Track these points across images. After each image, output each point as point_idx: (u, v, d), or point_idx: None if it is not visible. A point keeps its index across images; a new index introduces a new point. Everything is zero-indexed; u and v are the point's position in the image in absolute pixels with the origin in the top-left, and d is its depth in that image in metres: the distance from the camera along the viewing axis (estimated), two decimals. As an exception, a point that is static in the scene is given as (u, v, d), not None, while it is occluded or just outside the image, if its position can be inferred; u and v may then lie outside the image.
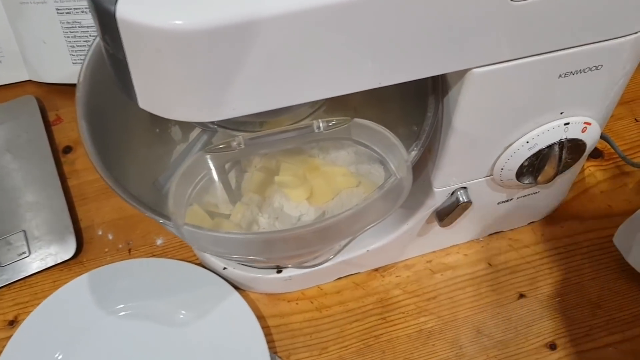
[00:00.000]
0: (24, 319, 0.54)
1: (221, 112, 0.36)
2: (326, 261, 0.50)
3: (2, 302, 0.57)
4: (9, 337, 0.53)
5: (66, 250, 0.59)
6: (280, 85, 0.35)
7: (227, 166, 0.53)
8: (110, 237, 0.61)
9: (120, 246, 0.60)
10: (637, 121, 0.68)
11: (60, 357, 0.52)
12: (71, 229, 0.60)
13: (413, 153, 0.42)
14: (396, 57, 0.36)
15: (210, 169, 0.40)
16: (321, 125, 0.39)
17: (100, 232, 0.61)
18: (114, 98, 0.48)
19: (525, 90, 0.42)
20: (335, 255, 0.51)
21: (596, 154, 0.66)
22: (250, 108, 0.36)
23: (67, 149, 0.67)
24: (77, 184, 0.65)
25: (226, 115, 0.36)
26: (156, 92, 0.35)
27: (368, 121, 0.40)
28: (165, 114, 0.36)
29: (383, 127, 0.40)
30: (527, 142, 0.46)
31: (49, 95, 0.71)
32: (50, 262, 0.59)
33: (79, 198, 0.64)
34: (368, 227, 0.41)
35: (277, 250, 0.41)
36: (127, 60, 0.34)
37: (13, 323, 0.56)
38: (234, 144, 0.39)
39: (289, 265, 0.52)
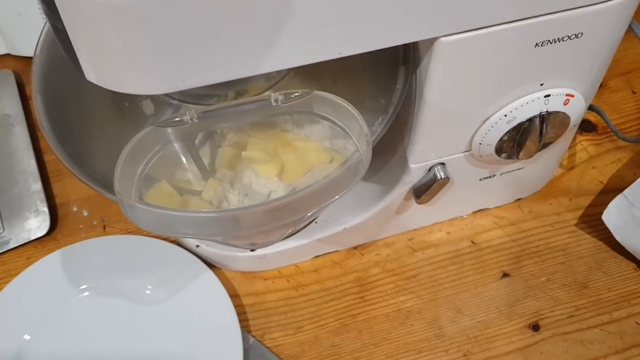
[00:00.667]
0: (-4, 297, 0.53)
1: (170, 85, 0.34)
2: (274, 242, 0.49)
3: (-24, 279, 0.57)
4: (-19, 314, 0.53)
5: (40, 227, 0.58)
6: (230, 55, 0.33)
7: (197, 141, 0.51)
8: (85, 213, 0.60)
9: (95, 223, 0.59)
10: (634, 93, 0.65)
11: (27, 337, 0.52)
12: (45, 206, 0.59)
13: (380, 127, 0.39)
14: (356, 24, 0.33)
15: (163, 144, 0.38)
16: (279, 97, 0.37)
17: (75, 209, 0.60)
18: (74, 73, 0.46)
19: (498, 60, 0.39)
20: (282, 238, 0.49)
21: (589, 127, 0.63)
22: (201, 80, 0.34)
23: (44, 124, 0.66)
24: (53, 159, 0.63)
25: (176, 87, 0.34)
26: (100, 64, 0.34)
27: (329, 94, 0.38)
28: (114, 87, 0.34)
29: (344, 100, 0.38)
30: (505, 115, 0.43)
31: (27, 69, 0.69)
32: (24, 239, 0.58)
33: (54, 174, 0.63)
34: (328, 203, 0.40)
35: (227, 229, 0.39)
36: (67, 30, 0.32)
37: (-14, 300, 0.56)
38: (186, 117, 0.37)
39: (243, 246, 0.51)
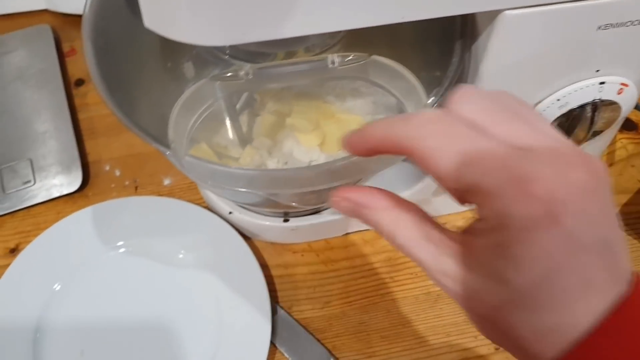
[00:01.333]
0: (24, 248, 0.53)
1: (230, 37, 0.34)
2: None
3: (4, 230, 0.57)
4: (9, 264, 0.52)
5: (72, 183, 0.58)
6: (294, 10, 0.32)
7: (238, 107, 0.51)
8: (117, 173, 0.60)
9: (126, 183, 0.59)
10: (679, 94, 0.64)
11: (58, 288, 0.51)
12: (78, 162, 0.59)
13: (433, 99, 0.39)
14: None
15: (214, 99, 0.37)
16: (336, 60, 0.37)
17: (107, 168, 0.60)
18: (124, 25, 0.46)
19: (560, 40, 0.38)
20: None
21: (630, 126, 0.62)
22: (262, 34, 0.34)
23: (80, 82, 0.66)
24: (88, 117, 0.63)
25: (235, 40, 0.34)
26: (161, 7, 0.33)
27: (388, 60, 0.38)
28: (170, 34, 0.34)
29: (404, 68, 0.37)
30: (558, 99, 0.43)
31: (65, 26, 0.69)
32: (55, 193, 0.57)
33: (88, 132, 0.62)
34: (380, 170, 0.39)
35: (275, 189, 0.38)
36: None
37: (14, 251, 0.56)
38: (242, 72, 0.36)
39: (278, 215, 0.50)
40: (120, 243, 0.53)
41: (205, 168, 0.35)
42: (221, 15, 0.32)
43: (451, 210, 0.57)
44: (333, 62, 0.37)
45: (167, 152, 0.36)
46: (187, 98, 0.35)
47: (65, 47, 0.68)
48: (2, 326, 0.49)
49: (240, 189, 0.34)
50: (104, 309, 0.51)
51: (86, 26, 0.41)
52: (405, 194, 0.52)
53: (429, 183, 0.51)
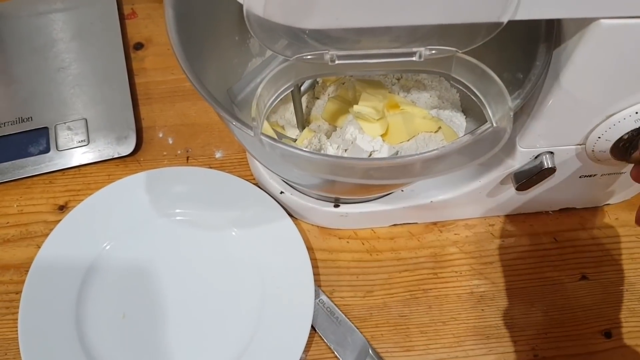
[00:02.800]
0: (74, 206, 0.53)
1: (321, 20, 0.33)
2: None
3: (54, 187, 0.57)
4: (58, 221, 0.53)
5: (125, 146, 0.58)
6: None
7: (302, 89, 0.50)
8: (170, 141, 0.60)
9: (179, 152, 0.59)
10: None
11: (107, 247, 0.52)
12: (133, 126, 0.59)
13: (515, 102, 0.38)
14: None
15: (295, 80, 0.37)
16: (423, 52, 0.36)
17: (161, 135, 0.60)
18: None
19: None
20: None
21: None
22: (354, 20, 0.33)
23: (138, 46, 0.65)
24: (144, 82, 0.63)
25: (326, 24, 0.33)
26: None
27: (473, 59, 0.37)
28: (261, 11, 0.33)
29: (488, 69, 0.36)
30: (637, 112, 0.42)
31: (127, -12, 0.69)
32: (108, 155, 0.58)
33: (143, 97, 0.62)
34: (445, 173, 0.38)
35: (348, 177, 0.38)
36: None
37: (63, 208, 0.56)
38: (327, 56, 0.36)
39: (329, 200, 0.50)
40: (171, 211, 0.54)
41: (282, 150, 0.35)
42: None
43: (502, 212, 0.56)
44: (419, 56, 0.36)
45: (234, 123, 0.36)
46: (271, 77, 0.35)
47: (126, 9, 0.67)
48: (49, 283, 0.50)
49: (313, 175, 0.34)
50: (149, 275, 0.51)
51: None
52: (460, 192, 0.52)
53: (487, 182, 0.51)
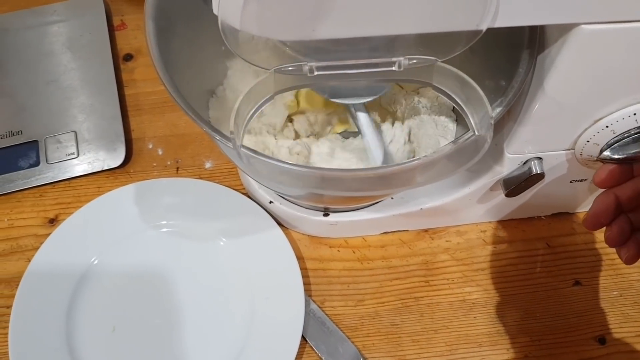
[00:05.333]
0: (64, 219, 0.53)
1: (300, 33, 0.33)
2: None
3: (45, 200, 0.57)
4: (48, 234, 0.53)
5: (114, 158, 0.58)
6: (367, 9, 0.32)
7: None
8: (160, 152, 0.59)
9: (168, 163, 0.59)
10: None
11: (95, 262, 0.52)
12: (122, 138, 0.58)
13: (497, 110, 0.38)
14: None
15: (274, 92, 0.37)
16: (402, 62, 0.36)
17: (150, 146, 0.60)
18: (185, 6, 0.45)
19: (634, 60, 0.37)
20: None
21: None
22: (332, 31, 0.33)
23: (128, 57, 0.65)
24: (134, 93, 0.63)
25: (303, 35, 0.33)
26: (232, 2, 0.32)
27: (454, 68, 0.37)
28: (237, 24, 0.33)
29: (469, 77, 0.36)
30: (623, 118, 0.41)
31: (116, -1, 0.69)
32: (97, 167, 0.57)
33: (133, 108, 0.62)
34: (429, 182, 0.38)
35: (332, 189, 0.38)
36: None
37: (53, 221, 0.56)
38: (306, 68, 0.35)
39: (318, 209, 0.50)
40: (160, 223, 0.53)
41: (261, 162, 0.35)
42: (292, 10, 0.32)
43: (493, 218, 0.56)
44: (399, 66, 0.36)
45: (217, 138, 0.36)
46: (250, 89, 0.35)
47: (116, 21, 0.67)
48: (39, 297, 0.50)
49: (293, 186, 0.34)
50: (138, 288, 0.51)
51: (149, 5, 0.41)
52: (450, 199, 0.52)
53: (476, 189, 0.50)
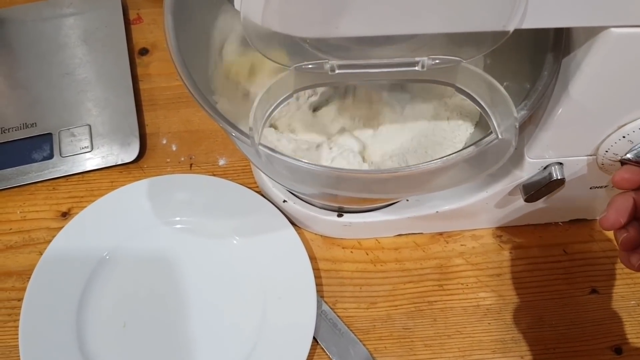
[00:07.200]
0: (77, 213, 0.53)
1: (321, 29, 0.32)
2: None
3: (58, 193, 0.57)
4: (60, 228, 0.52)
5: (128, 153, 0.57)
6: (392, 7, 0.31)
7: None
8: (174, 148, 0.59)
9: (182, 159, 0.58)
10: None
11: (107, 256, 0.51)
12: (136, 132, 0.58)
13: (521, 113, 0.37)
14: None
15: (295, 89, 0.36)
16: (426, 62, 0.35)
17: (164, 141, 0.59)
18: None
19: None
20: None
21: None
22: (355, 29, 0.32)
23: (144, 51, 0.65)
24: (149, 88, 0.63)
25: (326, 32, 0.33)
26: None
27: (478, 69, 0.36)
28: (259, 19, 0.32)
29: (494, 80, 0.35)
30: (648, 125, 0.40)
31: (133, -7, 0.68)
32: (111, 162, 0.57)
33: (148, 103, 0.62)
34: (448, 187, 0.37)
35: (349, 190, 0.37)
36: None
37: (66, 215, 0.56)
38: (327, 66, 0.35)
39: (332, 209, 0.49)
40: (175, 218, 0.53)
41: (279, 160, 0.34)
42: (315, 7, 0.31)
43: (510, 223, 0.55)
44: (422, 66, 0.35)
45: (234, 134, 0.35)
46: (270, 87, 0.34)
47: (132, 15, 0.67)
48: (50, 290, 0.50)
49: (309, 185, 0.33)
50: (149, 284, 0.51)
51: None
52: (467, 202, 0.51)
53: (494, 193, 0.50)
